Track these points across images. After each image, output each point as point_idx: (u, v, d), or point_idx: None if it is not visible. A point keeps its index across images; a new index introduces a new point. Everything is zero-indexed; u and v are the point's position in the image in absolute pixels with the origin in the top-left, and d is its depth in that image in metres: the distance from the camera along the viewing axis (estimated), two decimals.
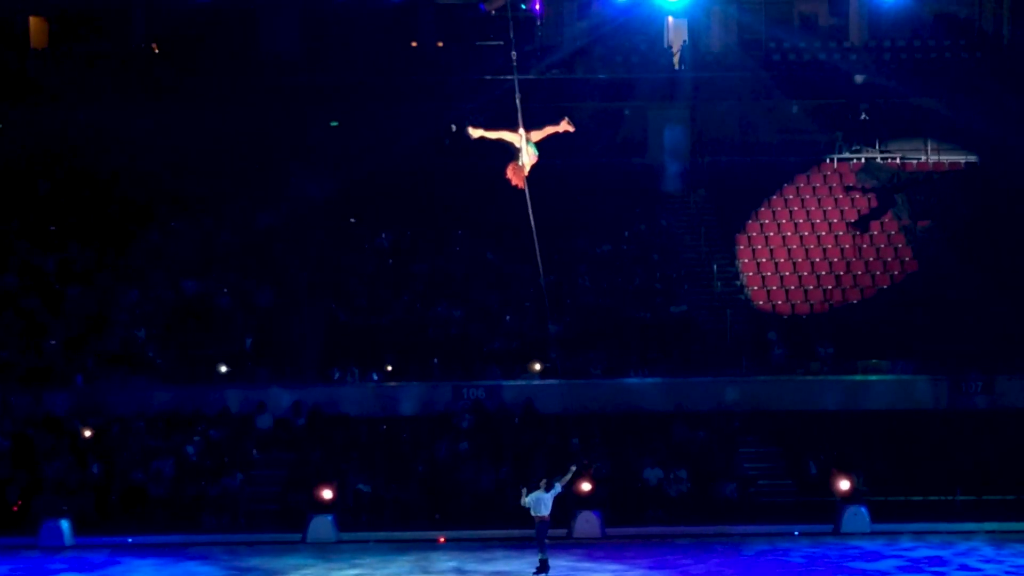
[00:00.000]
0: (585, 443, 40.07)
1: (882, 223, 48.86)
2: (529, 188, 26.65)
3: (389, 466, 39.56)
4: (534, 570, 32.24)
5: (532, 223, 27.58)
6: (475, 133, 26.71)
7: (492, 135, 26.50)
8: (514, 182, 26.39)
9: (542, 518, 32.43)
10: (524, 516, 32.96)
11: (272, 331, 44.07)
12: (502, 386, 41.96)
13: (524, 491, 32.86)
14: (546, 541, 32.43)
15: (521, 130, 26.31)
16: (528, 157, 26.34)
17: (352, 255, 47.14)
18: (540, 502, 32.45)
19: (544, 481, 32.79)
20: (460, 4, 48.51)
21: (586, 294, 46.01)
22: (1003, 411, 41.59)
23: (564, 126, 26.44)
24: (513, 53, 28.18)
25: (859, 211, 49.17)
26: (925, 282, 46.14)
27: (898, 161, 51.05)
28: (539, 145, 26.50)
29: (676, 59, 52.32)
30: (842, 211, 49.37)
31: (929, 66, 51.12)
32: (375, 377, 42.83)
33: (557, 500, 37.90)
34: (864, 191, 49.92)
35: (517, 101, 25.99)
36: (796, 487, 40.12)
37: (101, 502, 38.40)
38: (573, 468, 33.81)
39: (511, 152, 26.39)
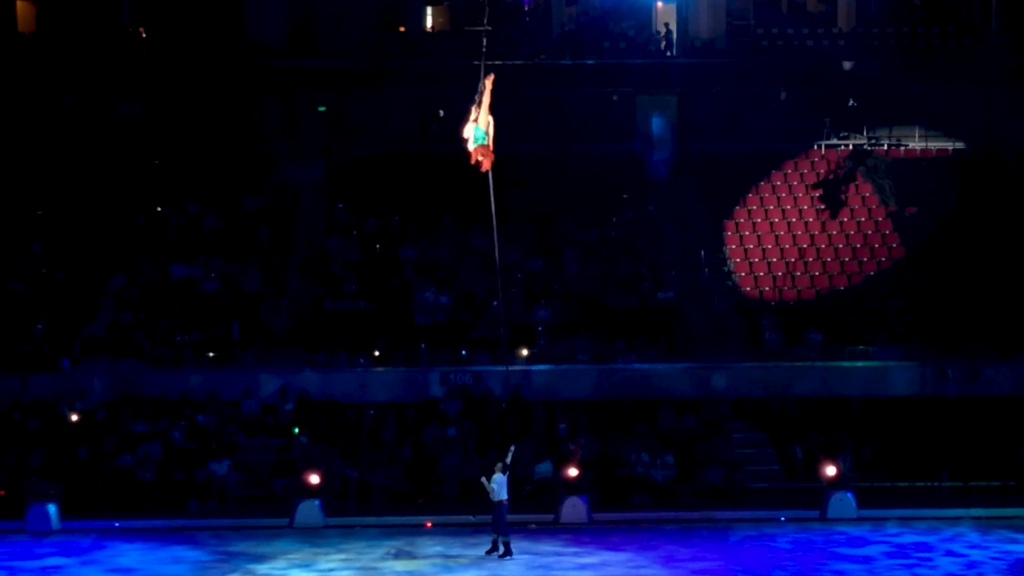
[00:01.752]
0: (572, 429, 40.11)
1: (869, 209, 48.87)
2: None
3: (376, 451, 39.55)
4: (499, 554, 32.38)
5: (492, 206, 27.27)
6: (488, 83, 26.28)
7: (484, 100, 26.16)
8: (486, 165, 26.08)
9: (501, 501, 32.59)
10: (512, 501, 33.10)
11: (259, 316, 44.03)
12: (489, 372, 41.94)
13: (485, 479, 33.05)
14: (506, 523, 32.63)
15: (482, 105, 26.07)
16: (472, 137, 25.97)
17: (339, 240, 47.08)
18: (501, 485, 32.66)
19: (499, 464, 32.99)
20: None
21: (573, 280, 45.99)
22: (989, 398, 41.66)
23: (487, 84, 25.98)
24: (483, 39, 28.03)
25: (846, 197, 49.14)
26: (912, 269, 46.19)
27: (885, 147, 51.05)
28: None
29: (664, 45, 52.26)
30: (828, 197, 49.30)
31: (917, 53, 51.15)
32: (362, 362, 42.79)
33: (543, 484, 38.12)
34: (851, 177, 49.96)
35: (484, 83, 25.79)
36: (783, 473, 40.21)
37: (88, 486, 38.36)
38: (512, 448, 33.81)
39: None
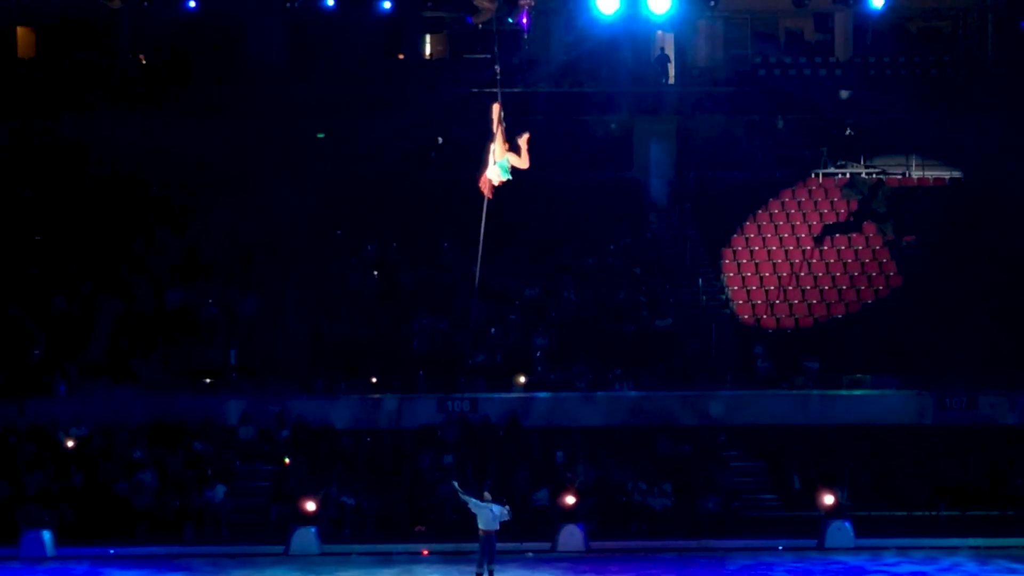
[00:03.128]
0: (569, 456, 40.05)
1: (867, 238, 48.93)
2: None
3: (373, 478, 39.48)
4: None
5: (482, 232, 27.27)
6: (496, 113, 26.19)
7: (497, 129, 26.13)
8: (486, 192, 26.09)
9: (488, 532, 32.33)
10: (509, 529, 32.96)
11: (256, 342, 43.99)
12: (487, 399, 41.90)
13: (459, 488, 32.79)
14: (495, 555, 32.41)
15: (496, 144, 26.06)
16: (496, 174, 25.99)
17: (337, 266, 47.08)
18: (491, 516, 32.31)
19: (487, 493, 32.79)
20: (447, 17, 48.49)
21: (571, 307, 45.98)
22: (986, 427, 41.67)
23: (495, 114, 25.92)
24: (496, 67, 28.02)
25: (841, 226, 49.19)
26: (910, 297, 46.19)
27: (883, 176, 51.12)
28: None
29: (663, 73, 52.36)
30: (825, 226, 49.39)
31: (914, 82, 51.22)
32: (359, 389, 42.75)
33: (540, 512, 37.97)
34: (847, 205, 50.01)
35: (496, 112, 25.79)
36: (780, 501, 40.16)
37: (83, 513, 38.25)
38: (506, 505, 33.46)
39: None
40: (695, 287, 47.02)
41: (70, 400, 41.57)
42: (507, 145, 25.86)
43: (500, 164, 25.88)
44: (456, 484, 33.18)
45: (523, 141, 25.90)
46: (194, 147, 49.77)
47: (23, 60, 52.28)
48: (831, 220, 49.54)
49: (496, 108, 25.83)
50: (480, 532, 32.38)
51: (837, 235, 48.85)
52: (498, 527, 32.39)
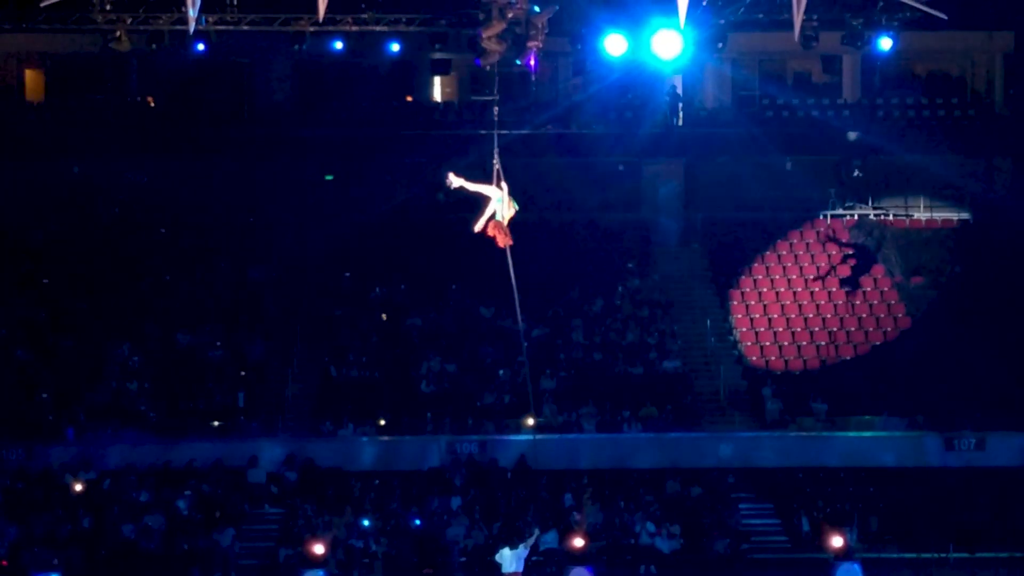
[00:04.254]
0: (578, 499, 39.96)
1: (875, 279, 48.91)
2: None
3: (381, 521, 39.40)
4: None
5: (513, 279, 27.32)
6: (455, 182, 26.51)
7: (472, 187, 26.37)
8: (500, 241, 26.16)
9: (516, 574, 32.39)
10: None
11: (264, 385, 43.99)
12: (495, 441, 41.84)
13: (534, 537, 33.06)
14: None
15: (503, 184, 26.22)
16: (508, 210, 26.13)
17: (345, 309, 47.10)
18: (517, 557, 32.44)
19: (524, 543, 32.86)
20: (456, 59, 48.59)
21: (579, 349, 45.98)
22: (995, 469, 41.54)
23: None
24: (495, 109, 28.19)
25: (850, 267, 49.21)
26: (918, 339, 46.13)
27: (891, 218, 51.15)
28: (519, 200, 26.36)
29: (674, 112, 52.48)
30: (833, 267, 49.37)
31: (922, 124, 51.27)
32: (368, 431, 42.71)
33: (548, 555, 37.88)
34: (855, 247, 49.99)
35: (495, 156, 25.95)
36: (789, 543, 40.03)
37: (91, 556, 38.17)
38: (536, 532, 33.56)
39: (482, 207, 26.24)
40: (703, 328, 46.99)
41: (78, 443, 41.55)
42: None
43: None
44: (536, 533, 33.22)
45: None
46: (202, 189, 49.92)
47: (32, 103, 52.44)
48: (838, 262, 49.51)
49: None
50: None
51: (845, 277, 48.84)
52: (522, 569, 32.40)
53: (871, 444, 42.40)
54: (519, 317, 29.26)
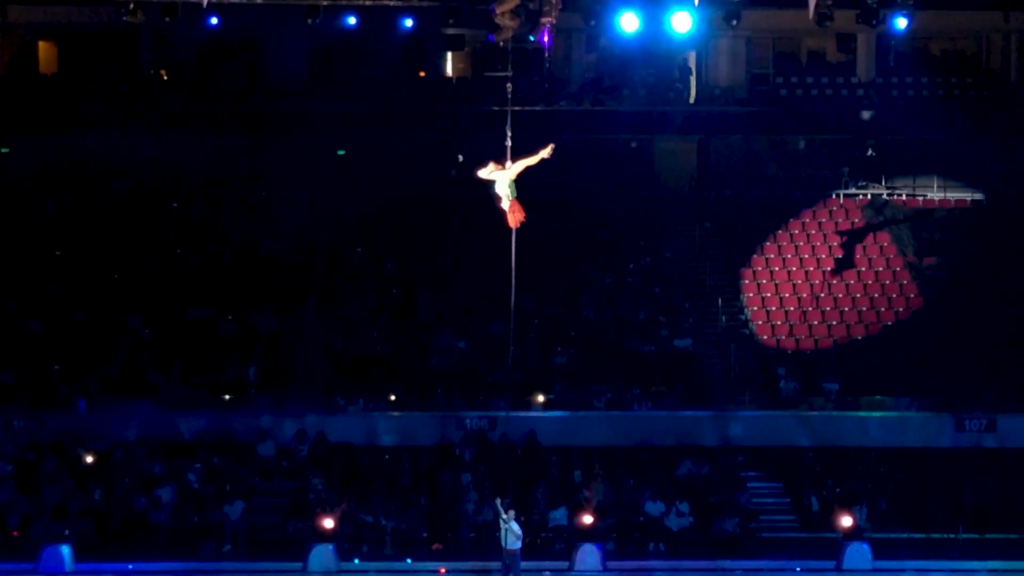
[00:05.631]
0: (587, 476, 39.99)
1: (887, 259, 48.82)
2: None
3: (391, 496, 39.46)
4: None
5: (513, 256, 27.15)
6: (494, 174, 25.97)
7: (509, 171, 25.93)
8: (517, 219, 25.91)
9: (512, 552, 32.39)
10: (526, 548, 32.95)
11: (276, 359, 44.03)
12: (505, 417, 41.87)
13: (500, 506, 33.03)
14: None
15: (508, 162, 25.97)
16: (505, 190, 25.77)
17: (357, 284, 47.11)
18: (515, 535, 32.50)
19: (512, 512, 32.95)
20: (469, 35, 48.53)
21: (589, 326, 45.96)
22: (1007, 450, 41.52)
23: (542, 154, 25.74)
24: (508, 85, 28.03)
25: (862, 247, 49.12)
26: (930, 319, 46.07)
27: (903, 197, 51.05)
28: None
29: (685, 86, 52.41)
30: (846, 247, 49.27)
31: (936, 104, 51.15)
32: (378, 406, 42.76)
33: (557, 532, 37.95)
34: (868, 227, 49.92)
35: (508, 134, 25.77)
36: (798, 523, 40.04)
37: (102, 528, 38.29)
38: (510, 513, 33.54)
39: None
40: (715, 307, 46.92)
41: (89, 416, 41.62)
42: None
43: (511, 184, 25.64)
44: (499, 502, 33.20)
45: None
46: (215, 163, 49.93)
47: (45, 75, 52.47)
48: (851, 241, 49.41)
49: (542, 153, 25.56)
50: (505, 552, 32.40)
51: (857, 257, 48.77)
52: (520, 546, 32.44)
53: (882, 424, 42.36)
54: (512, 293, 29.00)
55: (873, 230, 49.83)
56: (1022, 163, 49.82)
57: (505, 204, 25.55)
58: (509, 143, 26.08)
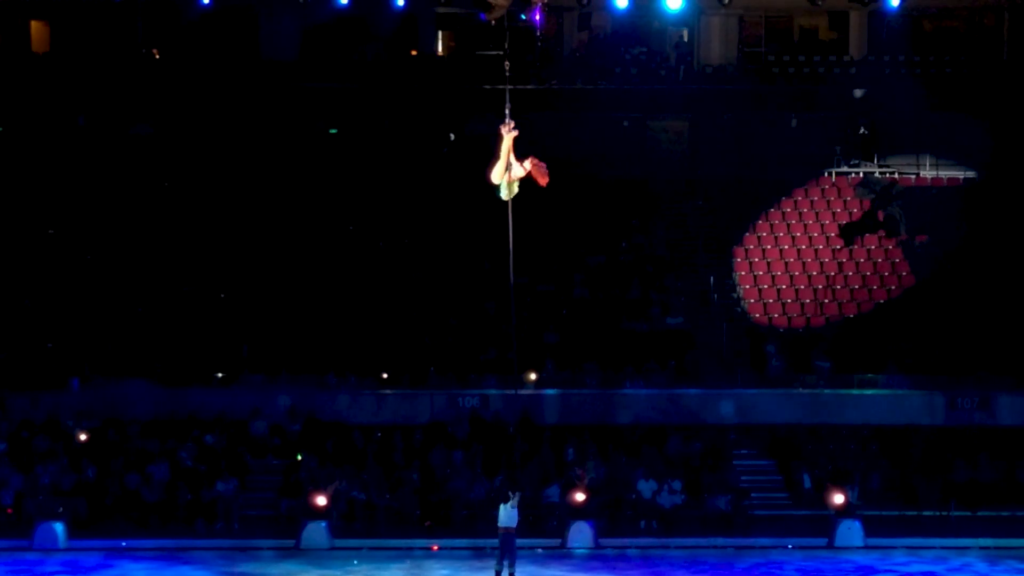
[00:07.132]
0: (580, 454, 40.07)
1: (879, 238, 48.88)
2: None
3: (383, 474, 39.54)
4: None
5: (511, 233, 26.97)
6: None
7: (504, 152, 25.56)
8: (543, 178, 25.48)
9: (508, 530, 32.42)
10: (519, 526, 33.00)
11: (268, 337, 44.04)
12: (497, 395, 41.91)
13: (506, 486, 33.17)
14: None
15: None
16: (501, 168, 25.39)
17: (349, 262, 47.12)
18: (512, 513, 32.53)
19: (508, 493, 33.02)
20: (460, 13, 48.50)
21: (582, 304, 46.00)
22: (998, 428, 41.60)
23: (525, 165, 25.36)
24: (506, 64, 27.92)
25: (855, 225, 49.15)
26: (922, 297, 46.14)
27: (896, 176, 51.08)
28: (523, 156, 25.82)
29: (681, 61, 52.40)
30: (839, 225, 49.35)
31: (928, 82, 51.13)
32: (371, 384, 42.81)
33: (550, 509, 38.02)
34: (860, 205, 49.95)
35: (507, 112, 25.57)
36: (790, 500, 40.14)
37: (95, 505, 38.36)
38: (519, 495, 33.58)
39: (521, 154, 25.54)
40: (707, 285, 46.98)
41: (83, 393, 41.68)
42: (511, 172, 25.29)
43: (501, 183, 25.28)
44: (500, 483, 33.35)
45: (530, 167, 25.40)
46: (207, 142, 49.91)
47: (38, 54, 52.39)
48: (844, 220, 49.45)
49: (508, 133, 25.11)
50: (500, 531, 32.44)
51: (850, 235, 48.80)
52: (516, 524, 32.47)
53: (874, 402, 42.42)
54: (511, 272, 28.87)
55: (865, 208, 49.81)
56: (1014, 141, 49.87)
57: (527, 165, 25.13)
58: (510, 123, 25.63)
